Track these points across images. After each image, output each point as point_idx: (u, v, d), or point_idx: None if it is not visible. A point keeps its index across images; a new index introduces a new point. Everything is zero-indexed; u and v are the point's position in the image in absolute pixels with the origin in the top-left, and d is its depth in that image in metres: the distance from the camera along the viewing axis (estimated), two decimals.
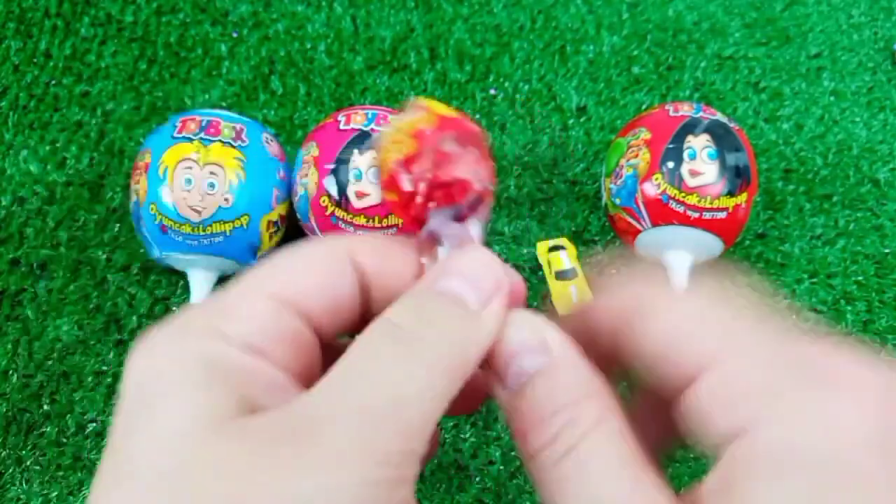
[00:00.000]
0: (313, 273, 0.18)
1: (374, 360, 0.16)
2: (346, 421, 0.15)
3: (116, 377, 0.45)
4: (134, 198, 0.44)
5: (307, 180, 0.43)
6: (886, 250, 0.51)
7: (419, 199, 0.19)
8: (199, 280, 0.45)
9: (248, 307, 0.17)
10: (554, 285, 0.48)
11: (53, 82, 0.56)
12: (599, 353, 0.19)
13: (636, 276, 0.19)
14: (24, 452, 0.43)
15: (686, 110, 0.46)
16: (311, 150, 0.44)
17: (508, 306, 0.18)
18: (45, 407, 0.45)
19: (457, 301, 0.17)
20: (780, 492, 0.14)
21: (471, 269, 0.18)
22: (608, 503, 0.16)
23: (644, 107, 0.56)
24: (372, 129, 0.43)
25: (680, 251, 0.45)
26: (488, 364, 0.18)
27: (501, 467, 0.43)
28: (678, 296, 0.18)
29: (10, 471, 0.43)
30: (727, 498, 0.15)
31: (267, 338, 0.17)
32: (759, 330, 0.17)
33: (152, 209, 0.42)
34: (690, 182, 0.43)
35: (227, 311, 0.17)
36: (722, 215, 0.44)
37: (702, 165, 0.43)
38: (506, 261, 0.49)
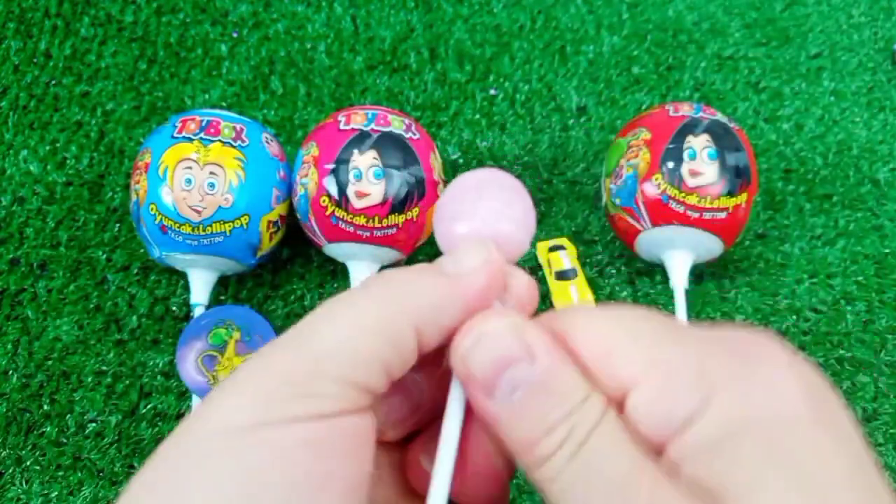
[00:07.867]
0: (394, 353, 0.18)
1: None
2: None
3: (116, 377, 0.45)
4: (134, 198, 0.44)
5: (307, 180, 0.43)
6: (886, 250, 0.50)
7: None
8: (199, 280, 0.45)
9: None
10: (554, 285, 0.48)
11: (53, 82, 0.56)
12: None
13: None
14: (24, 452, 0.43)
15: (686, 110, 0.46)
16: (311, 150, 0.44)
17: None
18: (45, 407, 0.45)
19: None
20: (740, 458, 0.15)
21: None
22: (622, 483, 0.16)
23: (644, 107, 0.56)
24: (372, 130, 0.43)
25: (680, 251, 0.45)
26: (469, 381, 0.18)
27: None
28: (595, 314, 0.19)
29: (10, 471, 0.43)
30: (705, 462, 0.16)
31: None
32: (677, 335, 0.17)
33: (152, 209, 0.42)
34: (690, 182, 0.43)
35: None
36: (722, 215, 0.44)
37: (702, 165, 0.43)
38: None
